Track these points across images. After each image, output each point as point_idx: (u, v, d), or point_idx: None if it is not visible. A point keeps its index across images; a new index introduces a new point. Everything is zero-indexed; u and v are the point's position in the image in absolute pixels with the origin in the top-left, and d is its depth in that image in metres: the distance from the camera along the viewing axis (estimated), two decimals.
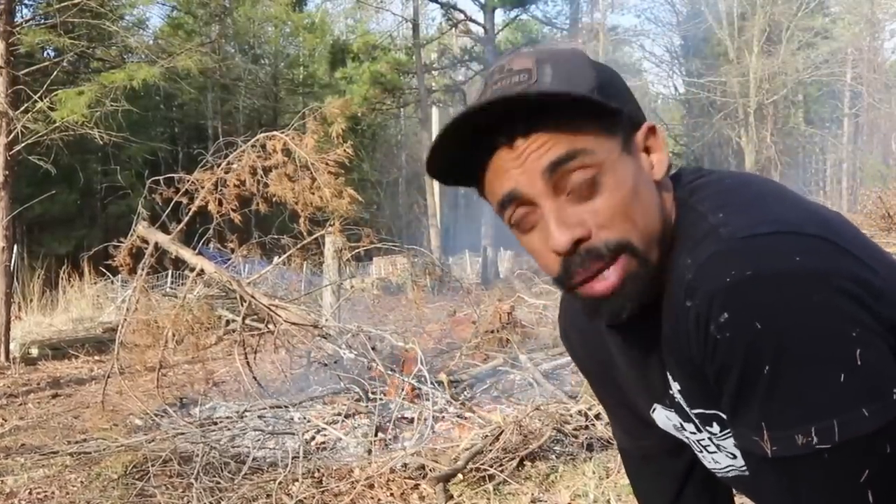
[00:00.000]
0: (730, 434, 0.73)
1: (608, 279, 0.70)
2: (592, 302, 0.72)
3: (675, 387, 0.76)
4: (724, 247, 0.65)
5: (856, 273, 0.62)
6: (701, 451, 0.85)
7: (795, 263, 0.61)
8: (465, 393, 4.63)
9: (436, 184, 21.42)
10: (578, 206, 0.69)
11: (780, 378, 0.61)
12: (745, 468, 0.77)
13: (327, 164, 4.97)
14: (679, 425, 0.84)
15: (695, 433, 0.81)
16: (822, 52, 21.89)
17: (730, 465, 0.82)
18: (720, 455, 0.81)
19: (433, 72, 21.87)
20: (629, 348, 0.82)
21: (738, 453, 0.76)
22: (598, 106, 0.67)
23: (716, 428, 0.76)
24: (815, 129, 25.87)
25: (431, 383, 4.11)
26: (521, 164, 0.68)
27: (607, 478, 2.94)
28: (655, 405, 0.85)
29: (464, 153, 0.71)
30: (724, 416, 0.71)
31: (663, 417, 0.85)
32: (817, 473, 0.62)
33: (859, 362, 0.59)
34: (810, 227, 0.64)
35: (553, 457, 3.26)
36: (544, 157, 0.67)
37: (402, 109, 25.08)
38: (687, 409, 0.78)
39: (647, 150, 0.74)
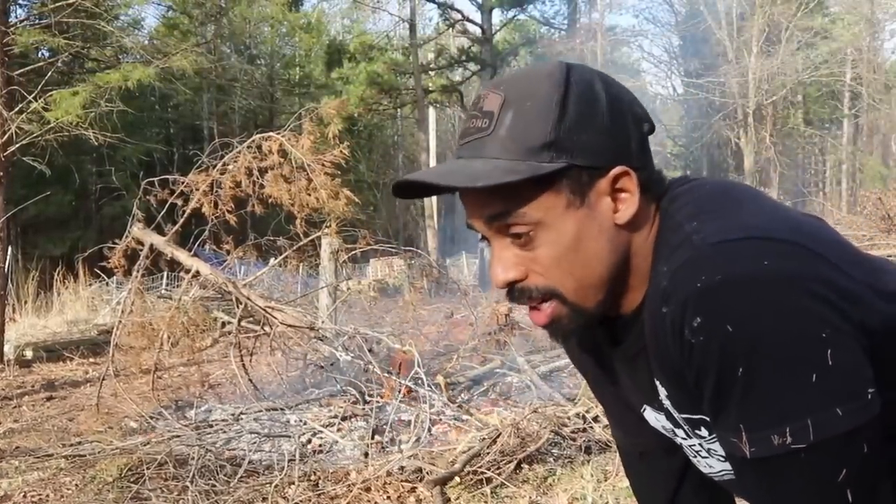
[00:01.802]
0: (716, 438, 0.74)
1: (541, 317, 0.75)
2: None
3: (662, 392, 0.78)
4: (696, 253, 0.67)
5: (826, 276, 0.64)
6: (695, 457, 0.86)
7: (764, 267, 0.63)
8: (463, 395, 4.62)
9: None
10: (520, 251, 0.74)
11: (754, 380, 0.62)
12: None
13: (324, 165, 4.96)
14: (670, 429, 0.85)
15: (685, 439, 0.83)
16: (821, 52, 21.90)
17: (723, 469, 0.82)
18: (712, 459, 0.82)
19: (430, 72, 21.86)
20: (620, 353, 0.83)
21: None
22: (536, 179, 0.69)
23: (704, 432, 0.77)
24: (814, 129, 25.88)
25: (428, 385, 4.09)
26: (469, 207, 0.75)
27: (605, 481, 2.93)
28: (646, 406, 0.86)
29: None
30: (708, 420, 0.72)
31: (653, 419, 0.87)
32: (795, 473, 0.63)
33: (831, 362, 0.61)
34: (781, 232, 0.66)
35: (551, 460, 3.25)
36: (483, 210, 0.73)
37: (398, 110, 25.08)
38: (675, 414, 0.79)
39: (618, 192, 0.74)
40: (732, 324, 0.62)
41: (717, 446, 0.77)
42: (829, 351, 0.61)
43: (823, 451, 0.62)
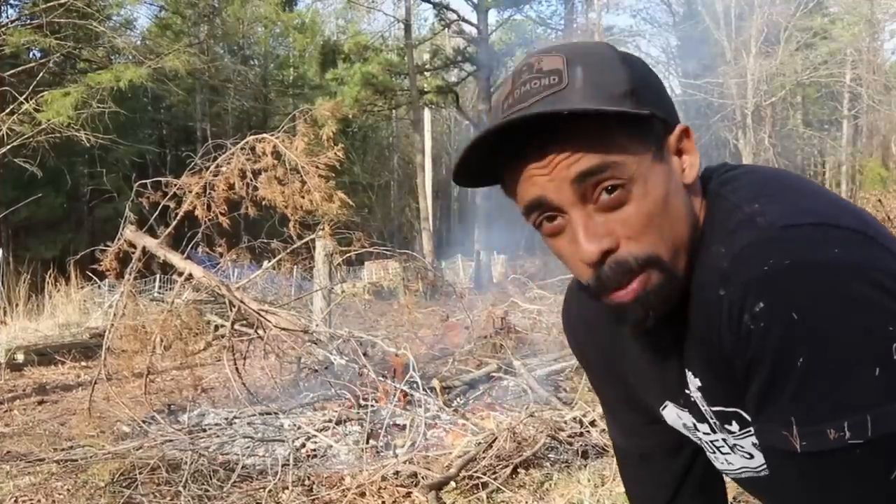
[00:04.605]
0: (748, 433, 0.73)
1: (636, 292, 0.69)
2: (618, 309, 0.71)
3: (693, 385, 0.75)
4: (762, 236, 0.64)
5: (891, 268, 0.62)
6: (714, 452, 0.84)
7: (834, 255, 0.61)
8: (458, 399, 4.60)
9: (428, 187, 21.47)
10: (607, 216, 0.68)
11: (814, 370, 0.60)
12: (760, 469, 0.78)
13: (318, 166, 4.94)
14: (692, 425, 0.82)
15: (708, 434, 0.80)
16: (820, 52, 22.00)
17: (744, 467, 0.81)
18: (734, 456, 0.80)
19: (425, 73, 21.84)
20: (647, 345, 0.81)
21: (755, 453, 0.76)
22: (631, 117, 0.66)
23: (735, 426, 0.75)
24: (813, 131, 25.99)
25: (424, 389, 4.08)
26: (549, 172, 0.67)
27: (602, 486, 2.91)
28: (667, 403, 0.84)
29: (491, 158, 0.70)
30: (744, 414, 0.71)
31: (674, 416, 0.85)
32: (847, 469, 0.61)
33: (895, 357, 0.59)
34: (848, 221, 0.64)
35: (547, 464, 3.24)
36: (573, 167, 0.66)
37: (393, 111, 25.05)
38: (705, 408, 0.76)
39: (680, 153, 0.72)
40: (798, 311, 0.59)
41: (744, 442, 0.75)
42: (894, 345, 0.59)
43: (879, 448, 0.59)
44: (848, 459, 0.60)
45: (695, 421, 0.81)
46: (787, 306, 0.60)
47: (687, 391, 0.77)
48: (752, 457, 0.78)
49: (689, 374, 0.75)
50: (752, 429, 0.71)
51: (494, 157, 0.69)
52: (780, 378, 0.61)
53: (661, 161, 0.69)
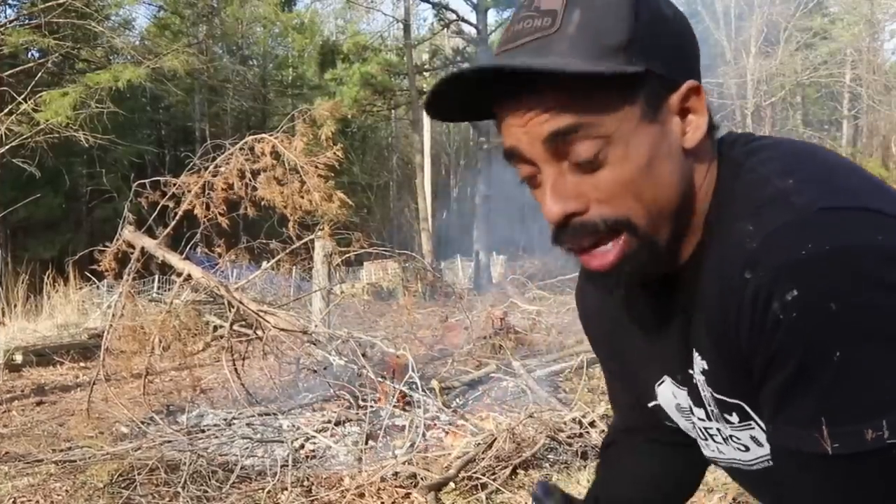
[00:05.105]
0: (748, 426, 0.69)
1: (606, 257, 0.65)
2: (589, 271, 0.68)
3: (698, 366, 0.70)
4: (799, 217, 0.58)
5: None
6: (706, 440, 0.79)
7: (878, 243, 0.56)
8: (458, 400, 4.60)
9: (428, 187, 21.44)
10: (580, 177, 0.63)
11: (850, 366, 0.55)
12: (752, 462, 0.74)
13: (317, 167, 4.93)
14: (688, 407, 0.77)
15: (703, 420, 0.76)
16: (820, 53, 21.99)
17: (735, 458, 0.77)
18: (727, 447, 0.76)
19: (425, 73, 21.84)
20: (649, 313, 0.75)
21: (751, 446, 0.72)
22: (616, 74, 0.60)
23: (734, 418, 0.70)
24: (813, 131, 25.93)
25: (423, 390, 4.07)
26: (524, 125, 0.63)
27: None
28: (665, 378, 0.78)
29: (479, 92, 0.65)
30: (746, 408, 0.67)
31: (669, 395, 0.79)
32: (882, 472, 0.57)
33: None
34: (891, 206, 0.59)
35: (547, 465, 3.24)
36: (546, 124, 0.62)
37: (393, 111, 25.01)
38: (705, 393, 0.72)
39: (686, 112, 0.66)
40: (837, 301, 0.54)
41: (742, 434, 0.71)
42: None
43: None
44: (886, 460, 0.56)
45: (691, 403, 0.76)
46: (824, 295, 0.55)
47: (690, 371, 0.72)
48: (747, 449, 0.73)
49: (696, 355, 0.70)
50: (752, 422, 0.68)
51: (483, 92, 0.65)
52: (810, 374, 0.57)
53: (651, 122, 0.63)
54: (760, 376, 0.61)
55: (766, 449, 0.68)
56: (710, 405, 0.72)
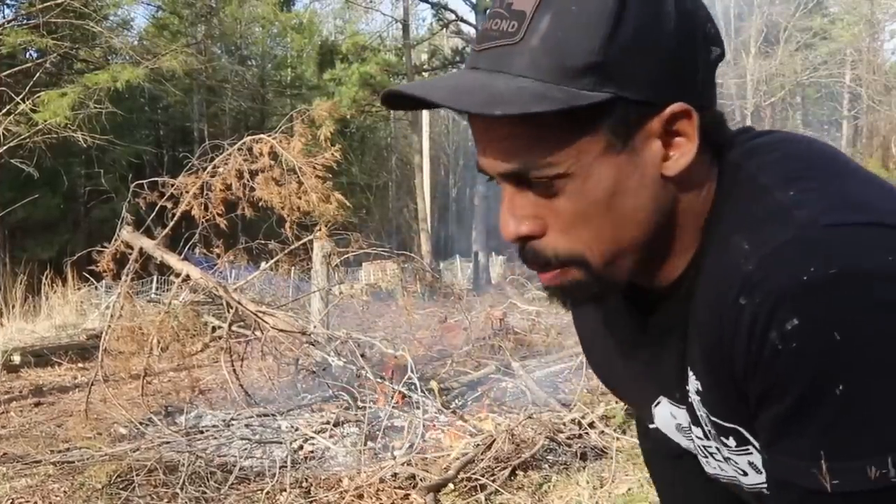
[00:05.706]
0: (745, 451, 0.65)
1: (554, 281, 0.62)
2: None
3: (693, 386, 0.66)
4: (801, 235, 0.53)
5: None
6: (706, 457, 0.75)
7: (889, 264, 0.50)
8: (457, 401, 4.59)
9: (427, 188, 21.45)
10: (538, 199, 0.59)
11: (855, 400, 0.51)
12: (752, 487, 0.71)
13: (315, 167, 4.93)
14: (687, 426, 0.73)
15: (701, 438, 0.71)
16: (820, 53, 22.04)
17: (736, 478, 0.73)
18: (727, 465, 0.72)
19: (424, 73, 21.84)
20: (644, 328, 0.69)
21: (749, 472, 0.68)
22: (573, 112, 0.55)
23: (732, 442, 0.66)
24: (813, 131, 25.97)
25: (422, 391, 4.07)
26: (483, 149, 0.59)
27: (601, 487, 2.91)
28: (661, 399, 0.73)
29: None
30: (744, 432, 0.63)
31: (667, 414, 0.74)
32: None
33: None
34: None
35: (546, 466, 3.23)
36: (497, 166, 0.59)
37: (391, 112, 25.05)
38: (701, 413, 0.67)
39: (673, 135, 0.58)
40: (842, 331, 0.50)
41: (740, 459, 0.67)
42: None
43: None
44: (887, 501, 0.52)
45: (690, 422, 0.71)
46: (827, 325, 0.50)
47: (686, 388, 0.67)
48: (745, 474, 0.69)
49: (691, 374, 0.65)
50: (750, 447, 0.64)
51: None
52: (811, 407, 0.52)
53: (619, 152, 0.57)
54: (756, 405, 0.57)
55: (765, 476, 0.64)
56: (706, 425, 0.68)
